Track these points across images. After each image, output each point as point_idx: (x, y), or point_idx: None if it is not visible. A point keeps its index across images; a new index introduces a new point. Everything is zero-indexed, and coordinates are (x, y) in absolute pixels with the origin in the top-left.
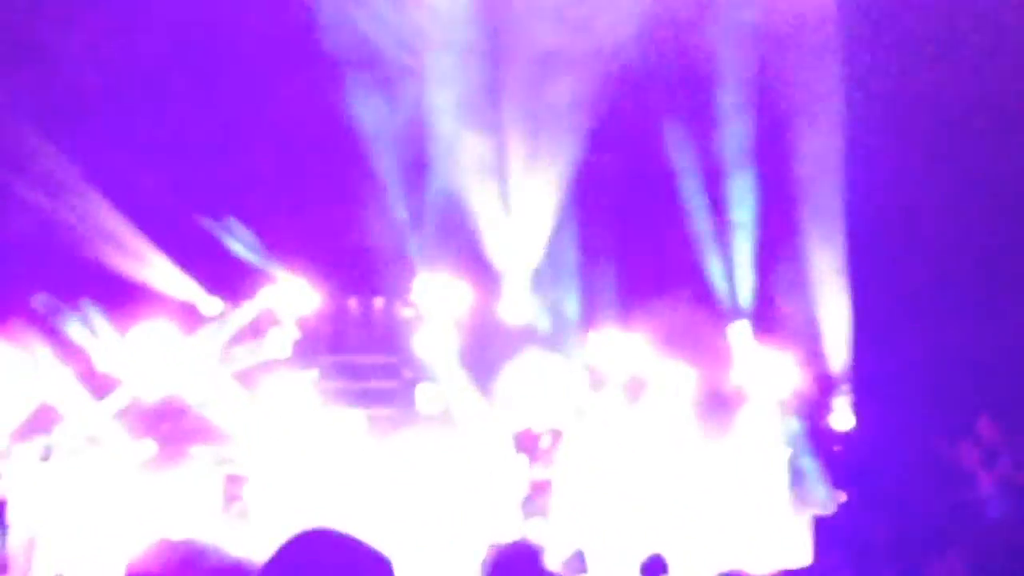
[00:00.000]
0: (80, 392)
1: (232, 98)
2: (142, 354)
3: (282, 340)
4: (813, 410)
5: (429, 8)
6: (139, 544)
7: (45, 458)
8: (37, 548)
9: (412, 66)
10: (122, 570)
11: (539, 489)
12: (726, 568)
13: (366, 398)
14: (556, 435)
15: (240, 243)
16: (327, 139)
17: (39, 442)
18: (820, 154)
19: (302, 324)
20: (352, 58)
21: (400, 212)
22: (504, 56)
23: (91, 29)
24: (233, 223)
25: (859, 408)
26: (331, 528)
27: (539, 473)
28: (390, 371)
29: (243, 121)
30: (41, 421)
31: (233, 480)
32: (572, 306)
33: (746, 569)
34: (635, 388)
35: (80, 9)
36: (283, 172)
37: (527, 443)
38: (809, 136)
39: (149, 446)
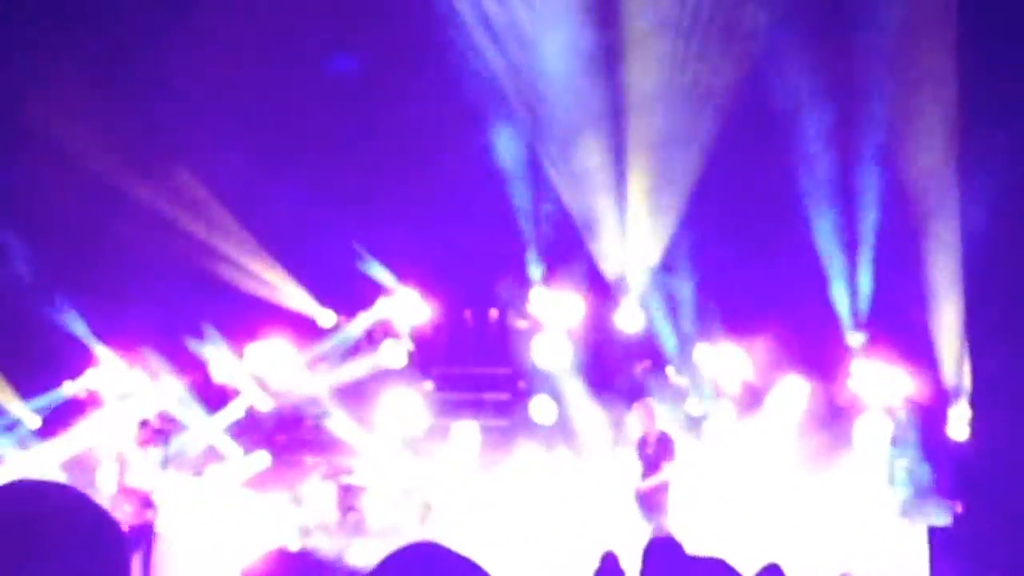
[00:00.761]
0: (196, 404)
1: (359, 119)
2: (258, 366)
3: (397, 351)
4: (929, 421)
5: (551, 39)
6: (254, 553)
7: (163, 468)
8: (154, 555)
9: (535, 91)
10: None
11: (653, 496)
12: None
13: (480, 409)
14: (665, 442)
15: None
16: (447, 155)
17: (156, 453)
18: (937, 163)
19: (417, 335)
20: (479, 89)
21: (517, 224)
22: (625, 78)
23: (222, 54)
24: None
25: (976, 418)
26: (436, 542)
27: (652, 481)
28: (504, 383)
29: (368, 139)
30: (159, 433)
31: (348, 490)
32: (687, 317)
33: None
34: (748, 400)
35: (218, 38)
36: (400, 186)
37: (639, 450)
38: (926, 145)
39: (264, 457)
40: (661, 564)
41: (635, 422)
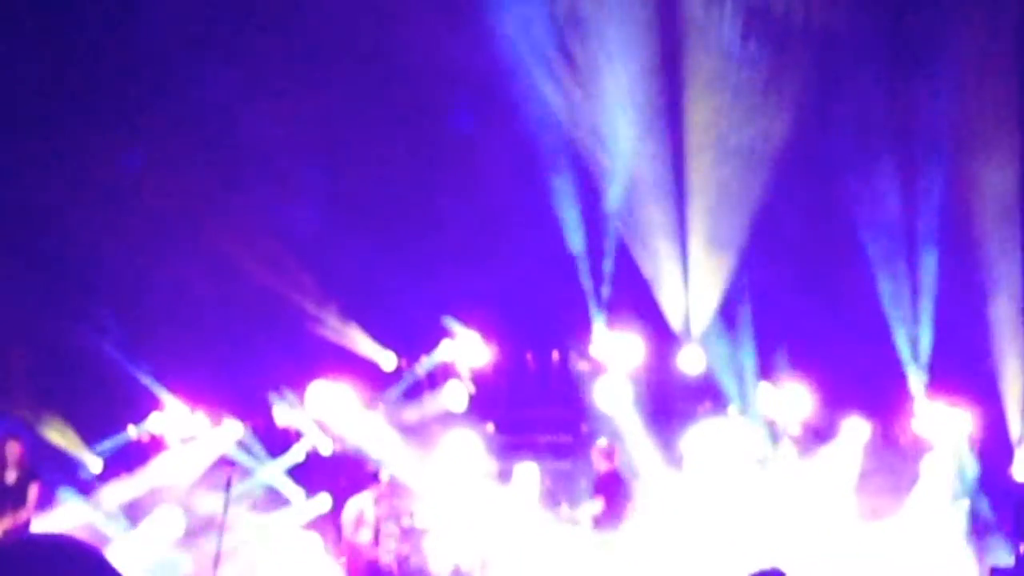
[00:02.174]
0: (258, 446)
1: (426, 168)
2: (320, 409)
3: (458, 394)
4: (993, 461)
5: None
6: None
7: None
8: None
9: (598, 141)
10: None
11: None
12: None
13: (542, 452)
14: (619, 482)
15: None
16: (512, 200)
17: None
18: (1001, 205)
19: (478, 378)
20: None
21: (578, 265)
22: (686, 129)
23: (297, 107)
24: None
25: None
26: None
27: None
28: (567, 425)
29: (434, 187)
30: (221, 475)
31: (409, 533)
32: (748, 358)
33: None
34: (810, 440)
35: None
36: (464, 231)
37: (596, 489)
38: (991, 181)
39: (325, 500)
40: None
41: (594, 456)
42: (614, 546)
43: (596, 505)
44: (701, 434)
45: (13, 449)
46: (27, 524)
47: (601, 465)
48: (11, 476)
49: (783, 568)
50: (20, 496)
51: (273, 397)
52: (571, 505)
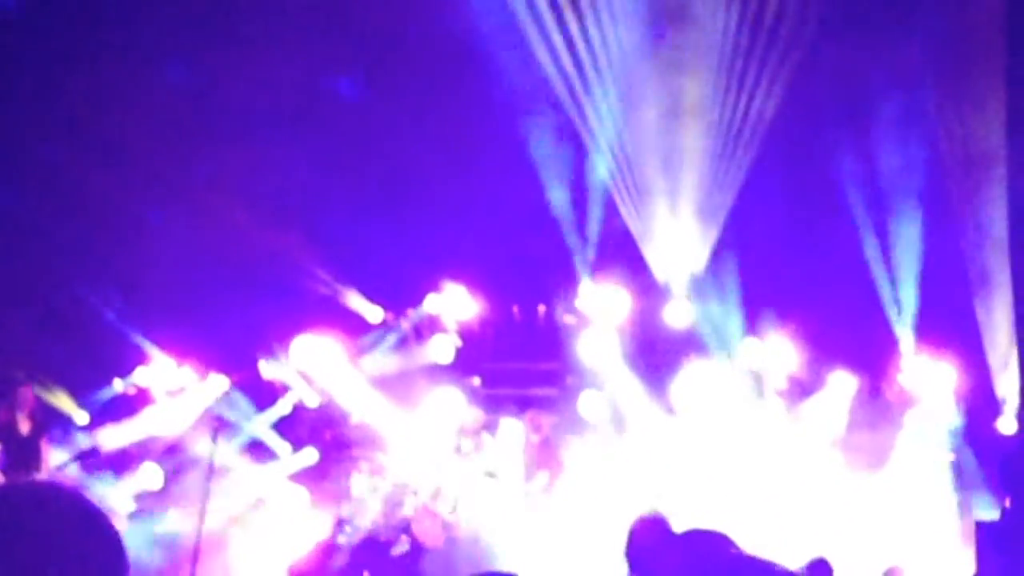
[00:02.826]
0: (244, 400)
1: (410, 119)
2: (306, 362)
3: (445, 347)
4: (978, 415)
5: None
6: (302, 549)
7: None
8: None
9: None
10: (287, 574)
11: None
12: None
13: (528, 406)
14: (548, 448)
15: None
16: (498, 153)
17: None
18: (985, 156)
19: (464, 331)
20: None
21: (564, 220)
22: (678, 71)
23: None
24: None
25: None
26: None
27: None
28: (553, 378)
29: (419, 139)
30: (207, 429)
31: (395, 487)
32: (734, 313)
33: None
34: (796, 394)
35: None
36: (450, 184)
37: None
38: (973, 139)
39: (311, 453)
40: (647, 542)
41: (526, 428)
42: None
43: (544, 476)
44: (690, 379)
45: (27, 396)
46: None
47: (533, 437)
48: (24, 426)
49: (828, 559)
50: (34, 451)
51: (259, 351)
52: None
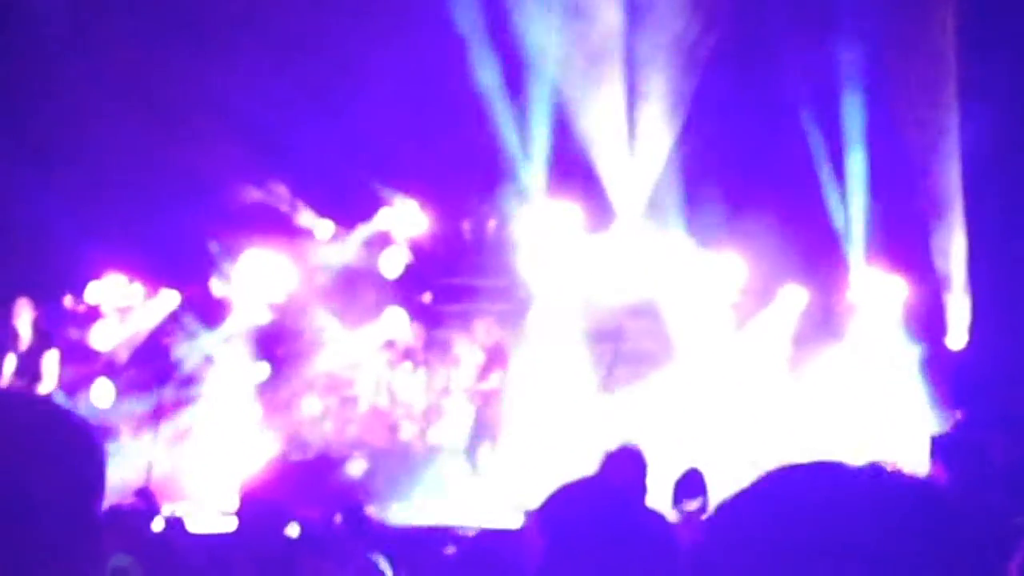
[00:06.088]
0: (195, 316)
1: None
2: (256, 279)
3: (395, 262)
4: (927, 329)
5: None
6: (255, 466)
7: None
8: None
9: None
10: (238, 492)
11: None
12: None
13: (481, 320)
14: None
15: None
16: (443, 67)
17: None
18: (935, 74)
19: (415, 246)
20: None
21: (512, 137)
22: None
23: None
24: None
25: (974, 327)
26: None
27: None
28: (504, 294)
29: (368, 53)
30: (155, 349)
31: (346, 402)
32: (684, 229)
33: None
34: (745, 308)
35: None
36: (401, 95)
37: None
38: (923, 57)
39: (263, 369)
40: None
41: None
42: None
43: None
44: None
45: (25, 310)
46: None
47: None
48: (24, 343)
49: (700, 468)
50: (35, 368)
51: (210, 267)
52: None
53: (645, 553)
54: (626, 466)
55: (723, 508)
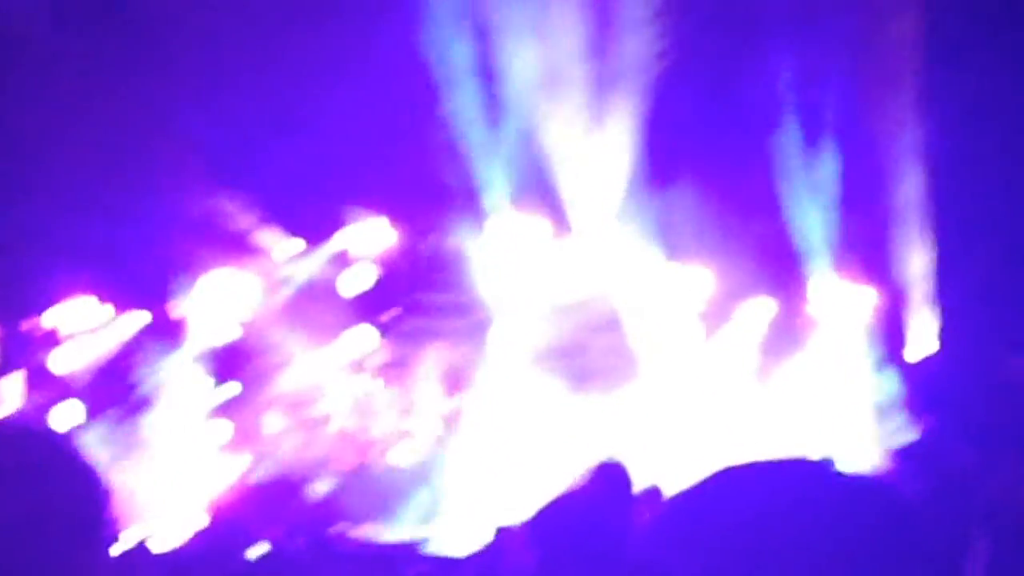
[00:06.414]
0: (162, 336)
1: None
2: (222, 297)
3: (361, 279)
4: (894, 339)
5: None
6: (221, 486)
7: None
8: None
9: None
10: (202, 513)
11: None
12: None
13: (446, 336)
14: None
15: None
16: (405, 81)
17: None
18: (901, 83)
19: (381, 263)
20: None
21: (475, 151)
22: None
23: None
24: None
25: (942, 337)
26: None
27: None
28: (466, 310)
29: (334, 70)
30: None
31: (313, 423)
32: (649, 239)
33: None
34: (712, 319)
35: None
36: (362, 114)
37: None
38: (888, 66)
39: (232, 388)
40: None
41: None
42: None
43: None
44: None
45: None
46: None
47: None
48: None
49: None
50: None
51: (175, 286)
52: None
53: (635, 567)
54: (611, 481)
55: (673, 504)
